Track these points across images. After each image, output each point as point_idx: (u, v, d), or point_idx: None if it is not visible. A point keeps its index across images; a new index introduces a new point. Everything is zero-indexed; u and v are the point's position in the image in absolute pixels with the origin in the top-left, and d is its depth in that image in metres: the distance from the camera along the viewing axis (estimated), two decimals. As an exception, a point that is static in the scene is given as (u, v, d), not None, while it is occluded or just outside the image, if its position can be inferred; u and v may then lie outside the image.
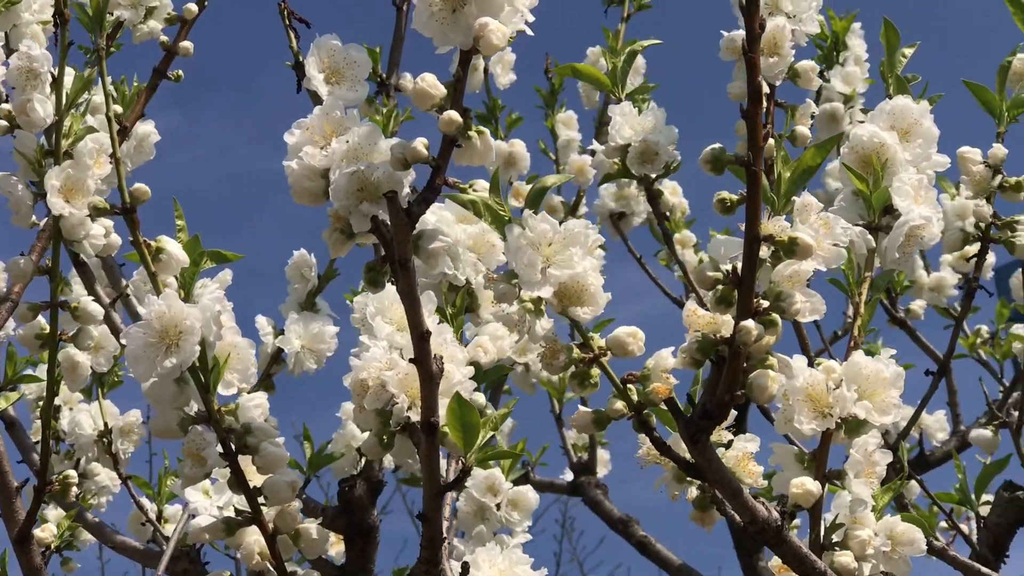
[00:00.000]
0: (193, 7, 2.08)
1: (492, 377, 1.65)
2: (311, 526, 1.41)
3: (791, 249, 1.18)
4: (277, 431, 1.41)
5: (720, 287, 1.19)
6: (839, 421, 1.33)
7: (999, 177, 1.76)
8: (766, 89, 1.72)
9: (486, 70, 2.87)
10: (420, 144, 1.30)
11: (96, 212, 1.51)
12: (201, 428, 1.36)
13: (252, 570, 1.43)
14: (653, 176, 1.94)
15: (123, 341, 1.35)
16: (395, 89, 2.53)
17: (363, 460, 2.36)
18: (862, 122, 1.85)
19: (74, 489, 1.99)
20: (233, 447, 1.38)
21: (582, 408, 1.29)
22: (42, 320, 1.80)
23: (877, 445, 1.37)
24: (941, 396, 3.07)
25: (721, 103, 1.93)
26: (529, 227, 1.25)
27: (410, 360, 1.31)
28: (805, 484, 1.32)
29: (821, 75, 2.87)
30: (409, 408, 1.37)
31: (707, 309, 1.24)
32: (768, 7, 1.80)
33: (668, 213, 3.04)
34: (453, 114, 1.29)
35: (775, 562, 1.39)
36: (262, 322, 2.25)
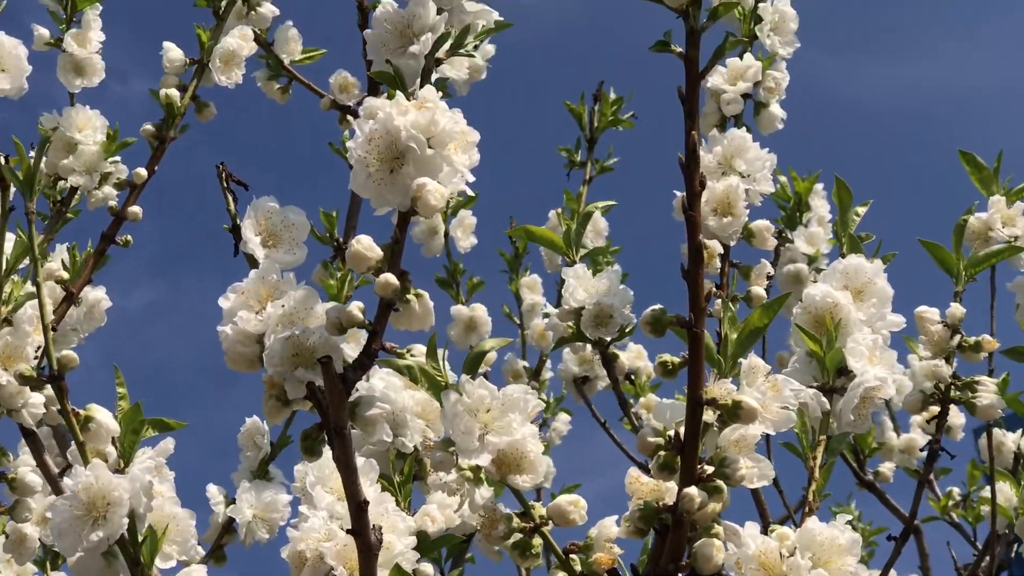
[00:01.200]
0: (142, 172, 2.06)
1: (440, 546, 1.60)
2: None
3: (735, 413, 1.15)
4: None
5: (662, 453, 1.14)
6: (794, 591, 1.28)
7: (958, 337, 1.73)
8: (719, 249, 1.70)
9: (447, 233, 2.85)
10: (355, 308, 1.27)
11: (23, 380, 1.47)
12: (131, 605, 1.31)
13: None
14: (608, 339, 1.90)
15: (48, 514, 1.30)
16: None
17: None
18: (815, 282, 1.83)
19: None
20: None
21: (524, 579, 1.24)
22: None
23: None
24: (912, 560, 3.01)
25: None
26: (466, 393, 1.21)
27: (347, 531, 1.27)
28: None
29: (780, 235, 2.86)
30: (335, 580, 1.32)
31: (651, 476, 1.20)
32: (721, 167, 1.78)
33: (631, 376, 3.01)
34: (389, 277, 1.26)
35: None
36: (213, 491, 2.19)
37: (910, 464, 3.10)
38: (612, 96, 2.98)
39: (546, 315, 2.30)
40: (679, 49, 1.20)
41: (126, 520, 1.28)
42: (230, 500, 2.16)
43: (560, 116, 3.03)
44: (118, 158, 2.25)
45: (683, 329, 1.15)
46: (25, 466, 1.75)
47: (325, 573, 1.34)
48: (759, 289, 1.77)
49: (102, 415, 1.46)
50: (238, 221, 1.67)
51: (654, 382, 3.03)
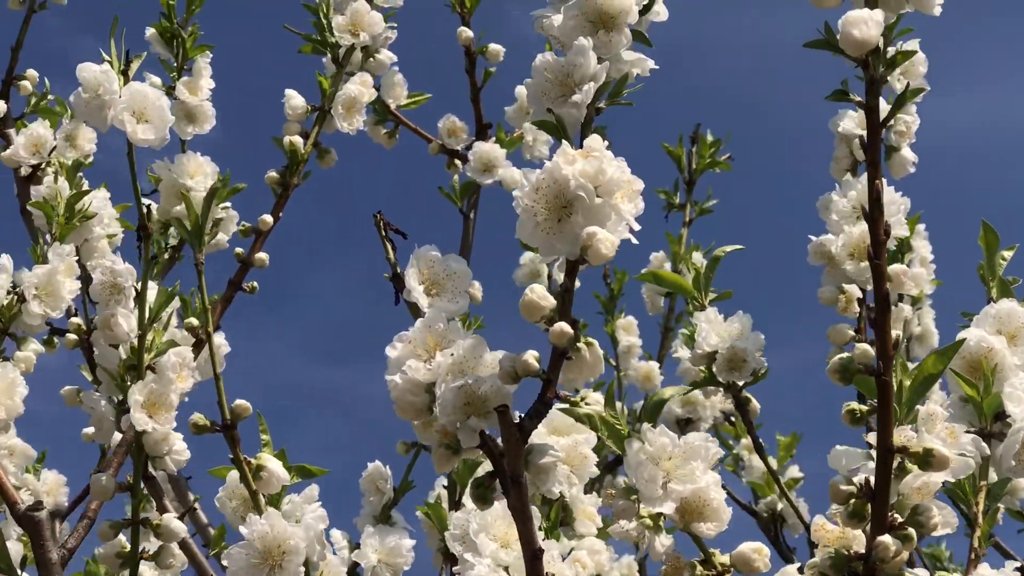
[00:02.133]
0: (268, 219, 2.08)
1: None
2: None
3: (927, 461, 1.14)
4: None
5: (853, 501, 1.14)
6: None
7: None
8: (857, 293, 1.70)
9: (549, 276, 2.86)
10: (531, 357, 1.27)
11: (196, 429, 1.48)
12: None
13: None
14: (740, 383, 1.90)
15: (223, 562, 1.31)
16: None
17: None
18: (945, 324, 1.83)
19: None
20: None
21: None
22: (122, 538, 1.76)
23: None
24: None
25: (783, 309, 1.91)
26: (648, 441, 1.21)
27: (525, 577, 1.27)
28: None
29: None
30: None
31: (833, 523, 1.20)
32: (856, 211, 1.78)
33: (730, 418, 3.01)
34: (564, 326, 1.26)
35: None
36: (337, 536, 2.21)
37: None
38: (710, 138, 2.99)
39: (676, 358, 2.30)
40: (858, 98, 1.21)
41: (302, 569, 1.29)
42: (354, 545, 2.17)
43: (656, 157, 3.04)
44: (228, 203, 2.26)
45: (869, 378, 1.15)
46: (170, 512, 1.76)
47: (493, 620, 1.34)
48: (896, 331, 1.76)
49: (273, 464, 1.47)
50: (398, 270, 1.69)
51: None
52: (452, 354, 1.33)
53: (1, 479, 1.91)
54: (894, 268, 1.76)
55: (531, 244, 1.28)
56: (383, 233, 1.65)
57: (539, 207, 1.27)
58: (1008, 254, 1.63)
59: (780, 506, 2.98)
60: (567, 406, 1.29)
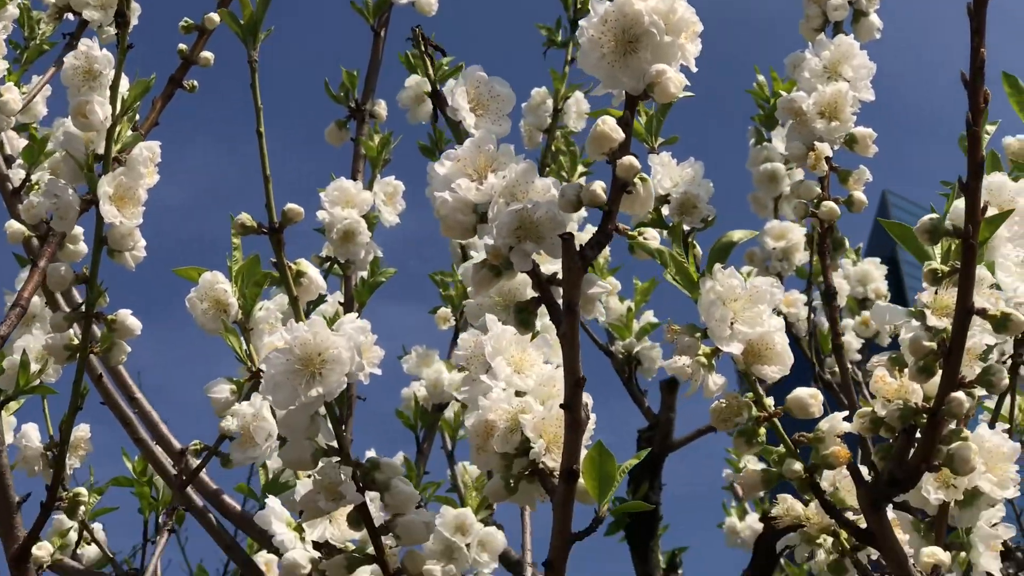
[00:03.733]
0: (215, 17, 2.01)
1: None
2: (436, 568, 1.36)
3: (1004, 324, 1.19)
4: (402, 468, 1.36)
5: (927, 357, 1.19)
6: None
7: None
8: (828, 152, 1.74)
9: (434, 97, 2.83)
10: (599, 188, 1.28)
11: (243, 230, 1.44)
12: (335, 461, 1.31)
13: (361, 608, 1.38)
14: (688, 229, 1.93)
15: (261, 366, 1.30)
16: (370, 116, 2.49)
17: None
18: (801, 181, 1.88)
19: (82, 508, 1.90)
20: (360, 483, 1.33)
21: (752, 468, 1.28)
22: (71, 332, 1.72)
23: (1000, 518, 1.39)
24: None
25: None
26: (719, 281, 1.23)
27: (561, 405, 1.29)
28: (936, 554, 1.33)
29: (757, 134, 2.92)
30: (545, 453, 1.34)
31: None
32: (827, 71, 1.82)
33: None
34: (633, 159, 1.27)
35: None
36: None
37: None
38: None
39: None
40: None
41: (345, 379, 1.28)
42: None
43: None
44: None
45: (958, 239, 1.19)
46: (126, 309, 1.72)
47: (516, 444, 1.35)
48: (861, 195, 1.82)
49: (313, 271, 1.45)
50: (438, 87, 1.65)
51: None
52: (504, 176, 1.32)
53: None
54: (861, 131, 1.80)
55: (594, 75, 1.28)
56: (422, 48, 1.62)
57: (606, 39, 1.27)
58: (991, 128, 1.68)
59: (636, 348, 3.05)
60: (635, 238, 1.30)
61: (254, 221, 1.41)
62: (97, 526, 2.40)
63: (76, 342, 1.70)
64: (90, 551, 2.36)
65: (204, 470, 2.12)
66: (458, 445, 3.19)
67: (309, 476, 1.37)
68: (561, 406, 1.29)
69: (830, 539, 1.34)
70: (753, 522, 3.71)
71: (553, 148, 2.94)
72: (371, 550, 1.36)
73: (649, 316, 3.11)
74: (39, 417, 2.25)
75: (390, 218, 2.38)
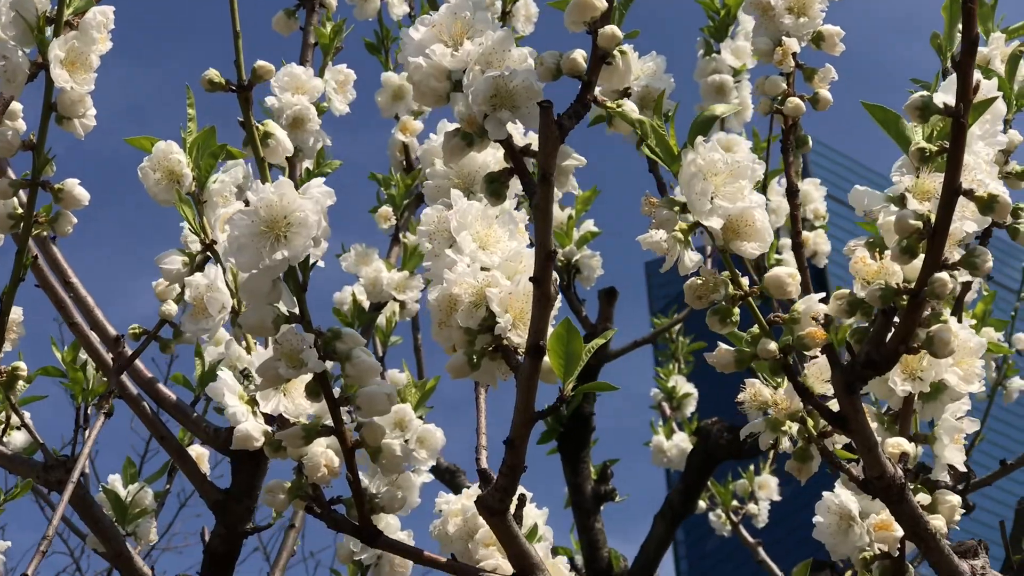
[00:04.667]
0: None
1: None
2: (395, 442, 1.34)
3: (991, 206, 1.17)
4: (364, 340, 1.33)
5: (911, 237, 1.17)
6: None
7: (1010, 164, 1.78)
8: (794, 47, 1.72)
9: (383, -1, 2.79)
10: (579, 56, 1.26)
11: (210, 87, 1.39)
12: (296, 328, 1.28)
13: (318, 483, 1.35)
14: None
15: (216, 237, 1.26)
16: (320, 5, 2.44)
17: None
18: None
19: (21, 383, 1.85)
20: (321, 352, 1.29)
21: (723, 347, 1.26)
22: (15, 201, 1.67)
23: (965, 412, 1.38)
24: None
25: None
26: (700, 155, 1.21)
27: (531, 279, 1.26)
28: (902, 444, 1.32)
29: (706, 45, 2.89)
30: (511, 328, 1.31)
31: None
32: (795, -32, 1.79)
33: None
34: (615, 29, 1.25)
35: (873, 520, 1.38)
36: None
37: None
38: None
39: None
40: None
41: (311, 244, 1.24)
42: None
43: None
44: None
45: (948, 117, 1.16)
46: (74, 178, 1.67)
47: (480, 319, 1.32)
48: (826, 93, 1.79)
49: (280, 132, 1.41)
50: None
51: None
52: (481, 43, 1.29)
53: None
54: (829, 28, 1.78)
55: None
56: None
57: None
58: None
59: (576, 256, 3.02)
60: (614, 109, 1.27)
61: (222, 78, 1.36)
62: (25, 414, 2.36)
63: (20, 211, 1.65)
64: (16, 438, 2.31)
65: (139, 358, 2.08)
66: (389, 352, 3.16)
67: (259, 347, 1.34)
68: (530, 279, 1.27)
69: (795, 426, 1.32)
70: (680, 441, 3.71)
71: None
72: (328, 421, 1.32)
73: (589, 225, 3.09)
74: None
75: (340, 107, 2.33)
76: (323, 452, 1.35)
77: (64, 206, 1.66)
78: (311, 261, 1.28)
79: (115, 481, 2.47)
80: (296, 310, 1.29)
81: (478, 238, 1.38)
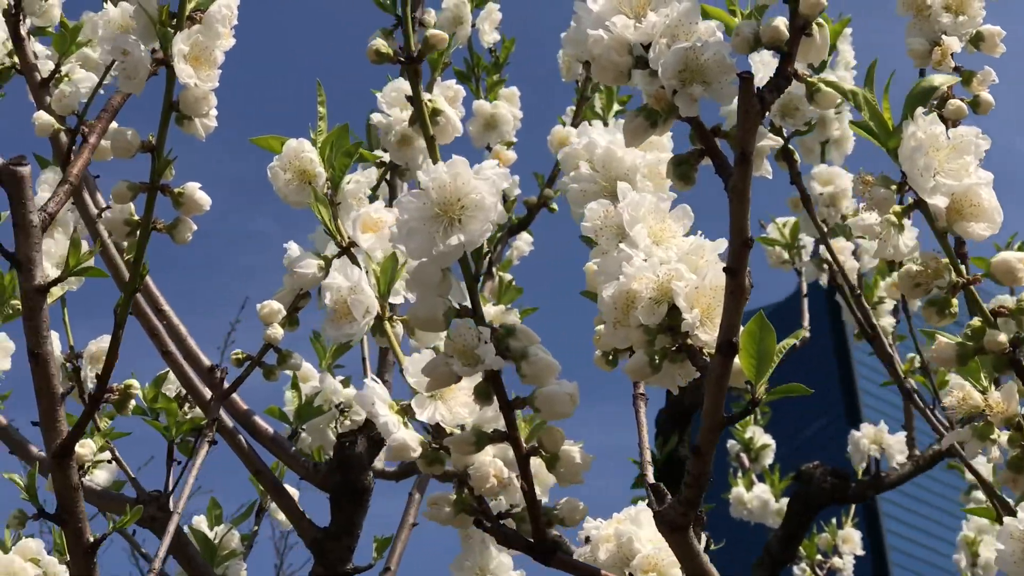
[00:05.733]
0: None
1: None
2: (574, 448, 1.22)
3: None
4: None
5: None
6: None
7: None
8: (956, 48, 1.62)
9: (473, 24, 2.70)
10: (782, 24, 1.15)
11: (377, 58, 1.28)
12: (469, 323, 1.17)
13: (485, 493, 1.24)
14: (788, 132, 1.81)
15: (394, 211, 1.16)
16: (419, 24, 2.35)
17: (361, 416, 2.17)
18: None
19: (133, 402, 1.74)
20: (493, 350, 1.19)
21: (944, 340, 1.15)
22: (132, 205, 1.57)
23: None
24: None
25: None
26: (921, 128, 1.10)
27: (724, 269, 1.16)
28: None
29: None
30: (699, 325, 1.20)
31: None
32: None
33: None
34: (820, -3, 1.15)
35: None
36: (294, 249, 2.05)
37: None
38: None
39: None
40: None
41: (489, 227, 1.14)
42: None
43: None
44: None
45: None
46: (195, 182, 1.57)
47: (661, 316, 1.22)
48: (989, 96, 1.69)
49: (450, 111, 1.30)
50: None
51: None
52: (666, 15, 1.19)
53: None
54: (989, 28, 1.68)
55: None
56: None
57: None
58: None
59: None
60: (822, 80, 1.17)
61: (389, 48, 1.26)
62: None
63: (136, 218, 1.55)
64: (98, 476, 2.20)
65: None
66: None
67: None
68: (724, 269, 1.16)
69: (1006, 434, 1.21)
70: (762, 492, 3.60)
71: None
72: (496, 427, 1.22)
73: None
74: (59, 326, 2.11)
75: (451, 122, 2.24)
76: (491, 461, 1.24)
77: (184, 212, 1.57)
78: (483, 249, 1.18)
79: (200, 522, 2.37)
80: (468, 303, 1.19)
81: (652, 233, 1.28)
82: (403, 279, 1.40)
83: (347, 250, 1.43)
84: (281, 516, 2.46)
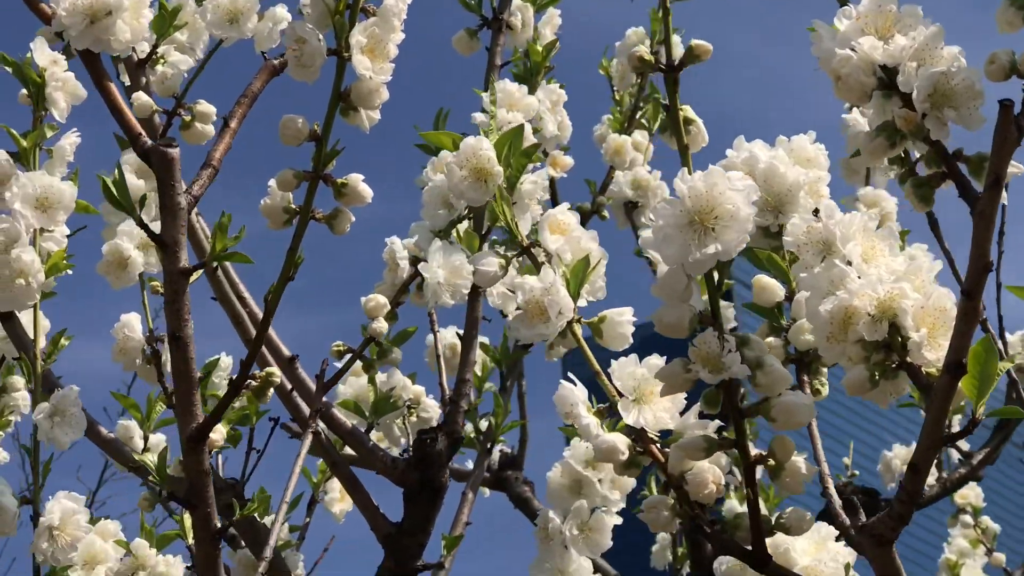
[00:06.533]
0: None
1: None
2: (800, 459, 1.24)
3: None
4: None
5: None
6: None
7: None
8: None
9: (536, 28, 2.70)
10: (1037, 56, 1.18)
11: (640, 64, 1.28)
12: (710, 331, 1.19)
13: (702, 501, 1.25)
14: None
15: (649, 216, 1.17)
16: (507, 27, 2.36)
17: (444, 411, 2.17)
18: None
19: (271, 392, 1.73)
20: (727, 359, 1.20)
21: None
22: (290, 195, 1.57)
23: None
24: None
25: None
26: None
27: (962, 291, 1.18)
28: None
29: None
30: (925, 345, 1.22)
31: None
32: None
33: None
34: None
35: None
36: (398, 245, 2.05)
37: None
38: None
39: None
40: None
41: (745, 238, 1.16)
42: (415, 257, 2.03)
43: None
44: None
45: None
46: (358, 174, 1.57)
47: (883, 333, 1.24)
48: None
49: (700, 122, 1.32)
50: None
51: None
52: (914, 38, 1.22)
53: (119, 105, 1.68)
54: None
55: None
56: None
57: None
58: None
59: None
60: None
61: (651, 55, 1.26)
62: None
63: (294, 205, 1.55)
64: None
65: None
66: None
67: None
68: (962, 292, 1.19)
69: None
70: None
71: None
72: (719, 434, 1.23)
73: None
74: (138, 306, 2.10)
75: (552, 127, 2.25)
76: (710, 468, 1.25)
77: (345, 203, 1.57)
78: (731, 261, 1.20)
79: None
80: (709, 311, 1.20)
81: (861, 251, 1.30)
82: (591, 282, 1.41)
83: (527, 250, 1.43)
84: (335, 509, 2.46)
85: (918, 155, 1.70)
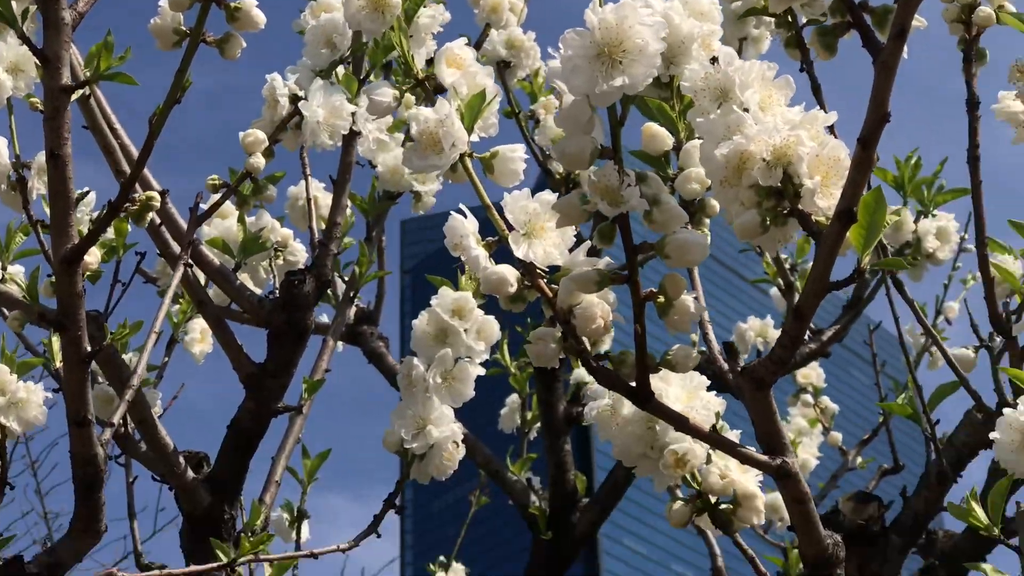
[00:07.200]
0: None
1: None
2: (690, 298, 1.25)
3: None
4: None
5: None
6: None
7: None
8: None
9: None
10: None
11: None
12: (610, 164, 1.19)
13: (590, 336, 1.26)
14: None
15: (558, 46, 1.17)
16: None
17: (313, 254, 2.16)
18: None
19: (151, 215, 1.70)
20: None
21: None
22: (181, 15, 1.54)
23: None
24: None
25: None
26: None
27: (858, 140, 1.20)
28: None
29: None
30: (818, 192, 1.24)
31: None
32: None
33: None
34: None
35: None
36: (279, 82, 2.02)
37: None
38: None
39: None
40: None
41: (652, 72, 1.16)
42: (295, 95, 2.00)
43: None
44: None
45: None
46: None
47: (778, 179, 1.25)
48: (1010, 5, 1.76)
49: None
50: None
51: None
52: None
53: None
54: None
55: None
56: None
57: None
58: None
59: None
60: None
61: None
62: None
63: (184, 28, 1.52)
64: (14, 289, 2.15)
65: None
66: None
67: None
68: (858, 140, 1.20)
69: None
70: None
71: None
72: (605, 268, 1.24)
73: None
74: (5, 131, 2.04)
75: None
76: (599, 303, 1.26)
77: (237, 27, 1.54)
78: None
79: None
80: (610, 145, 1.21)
81: (760, 100, 1.31)
82: (484, 118, 1.40)
83: (422, 83, 1.42)
84: (195, 349, 2.44)
85: (805, 20, 1.72)
